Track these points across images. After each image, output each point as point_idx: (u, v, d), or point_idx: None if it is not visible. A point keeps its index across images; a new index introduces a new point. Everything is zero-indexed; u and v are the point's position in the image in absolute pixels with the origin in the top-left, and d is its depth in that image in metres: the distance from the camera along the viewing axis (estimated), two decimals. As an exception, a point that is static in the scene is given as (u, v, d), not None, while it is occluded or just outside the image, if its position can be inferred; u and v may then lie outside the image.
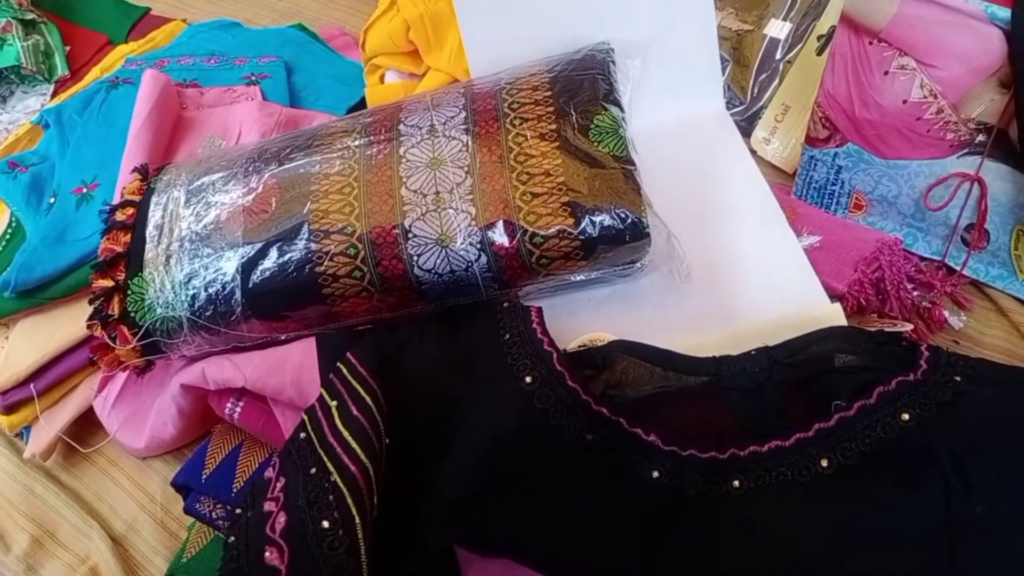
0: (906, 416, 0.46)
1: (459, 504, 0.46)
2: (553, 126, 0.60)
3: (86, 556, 0.63)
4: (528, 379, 0.50)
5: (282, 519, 0.43)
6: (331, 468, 0.44)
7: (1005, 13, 0.58)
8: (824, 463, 0.46)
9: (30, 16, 1.01)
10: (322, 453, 0.46)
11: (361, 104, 0.84)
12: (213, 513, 0.57)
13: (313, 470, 0.45)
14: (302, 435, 0.48)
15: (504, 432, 0.48)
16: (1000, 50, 0.59)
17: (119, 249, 0.59)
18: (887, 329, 0.55)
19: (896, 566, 0.44)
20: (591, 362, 0.52)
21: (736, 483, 0.47)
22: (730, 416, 0.50)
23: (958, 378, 0.46)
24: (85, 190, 0.72)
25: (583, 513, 0.47)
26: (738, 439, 0.48)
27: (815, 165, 0.70)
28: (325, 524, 0.42)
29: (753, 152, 0.77)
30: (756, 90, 0.80)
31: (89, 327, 0.58)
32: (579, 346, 0.55)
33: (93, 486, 0.67)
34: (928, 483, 0.44)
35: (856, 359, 0.49)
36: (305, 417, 0.49)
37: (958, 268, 0.66)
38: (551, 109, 0.61)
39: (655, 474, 0.47)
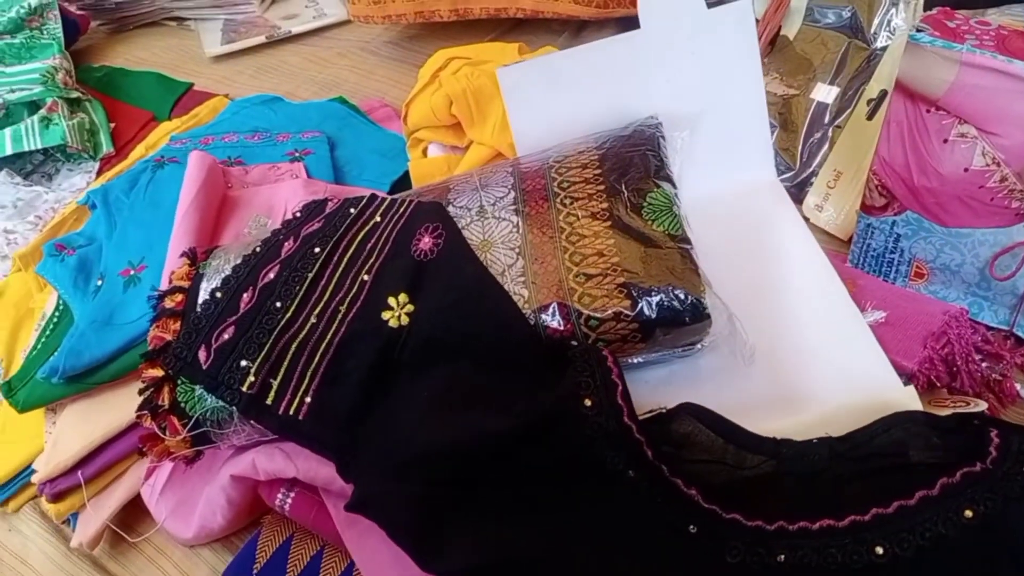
0: (969, 513, 0.43)
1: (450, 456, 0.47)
2: (605, 205, 0.59)
3: (133, 648, 0.62)
4: (588, 402, 0.48)
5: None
6: None
7: (1068, 79, 0.56)
8: (879, 550, 0.43)
9: (75, 95, 1.03)
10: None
11: (405, 178, 0.84)
12: (264, 608, 0.56)
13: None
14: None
15: (542, 435, 0.48)
16: (1064, 117, 0.57)
17: (169, 338, 0.59)
18: (960, 410, 0.52)
19: None
20: (658, 418, 0.51)
21: (781, 558, 0.44)
22: (781, 499, 0.48)
23: None
24: (132, 272, 0.72)
25: (598, 542, 0.46)
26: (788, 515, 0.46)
27: (872, 233, 0.68)
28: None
29: (806, 219, 0.75)
30: (806, 155, 0.78)
31: (138, 417, 0.57)
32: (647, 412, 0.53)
33: (140, 575, 0.66)
34: None
35: (928, 454, 0.46)
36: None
37: (1028, 339, 0.64)
38: (602, 187, 0.60)
39: (692, 529, 0.46)
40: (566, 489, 0.48)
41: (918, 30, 0.62)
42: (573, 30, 1.06)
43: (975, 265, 0.64)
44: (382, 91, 1.02)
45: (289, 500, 0.57)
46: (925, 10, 0.71)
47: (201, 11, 1.23)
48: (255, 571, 0.56)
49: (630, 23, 0.70)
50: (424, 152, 0.85)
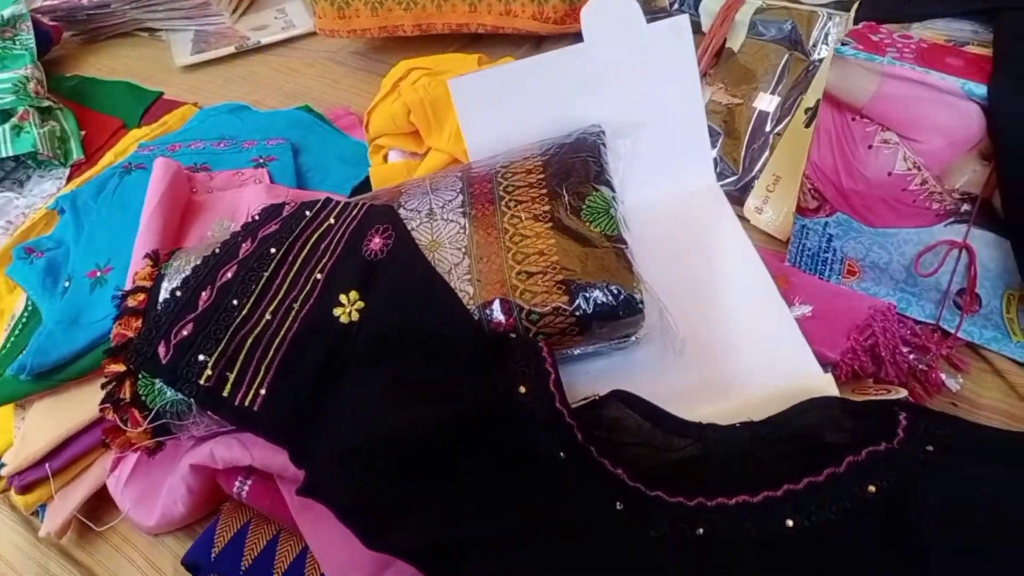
0: (872, 488, 0.47)
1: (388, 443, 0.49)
2: (547, 207, 0.63)
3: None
4: (523, 389, 0.52)
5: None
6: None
7: (982, 89, 0.60)
8: (790, 523, 0.47)
9: (47, 103, 1.05)
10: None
11: (365, 183, 0.87)
12: (222, 591, 0.58)
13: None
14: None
15: (481, 422, 0.50)
16: (979, 124, 0.61)
17: (131, 334, 0.61)
18: (880, 397, 0.56)
19: None
20: (590, 405, 0.54)
21: (700, 531, 0.48)
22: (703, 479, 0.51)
23: (930, 448, 0.47)
24: (99, 274, 0.75)
25: (533, 521, 0.48)
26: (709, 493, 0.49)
27: (807, 234, 0.72)
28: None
29: (746, 221, 0.79)
30: (748, 161, 0.82)
31: (101, 411, 0.60)
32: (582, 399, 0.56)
33: (107, 563, 0.68)
34: (887, 561, 0.45)
35: (840, 436, 0.50)
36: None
37: (952, 331, 0.67)
38: (544, 191, 0.64)
39: (619, 506, 0.49)
40: (504, 472, 0.51)
41: (843, 43, 0.65)
42: (533, 43, 1.09)
43: (901, 263, 0.68)
44: (347, 100, 1.05)
45: (246, 487, 0.60)
46: (855, 24, 0.74)
47: (172, 22, 1.26)
48: (213, 555, 0.59)
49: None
50: (385, 158, 0.88)
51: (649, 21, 0.72)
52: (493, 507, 0.50)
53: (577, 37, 0.73)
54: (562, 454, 0.50)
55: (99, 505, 0.69)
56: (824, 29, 0.84)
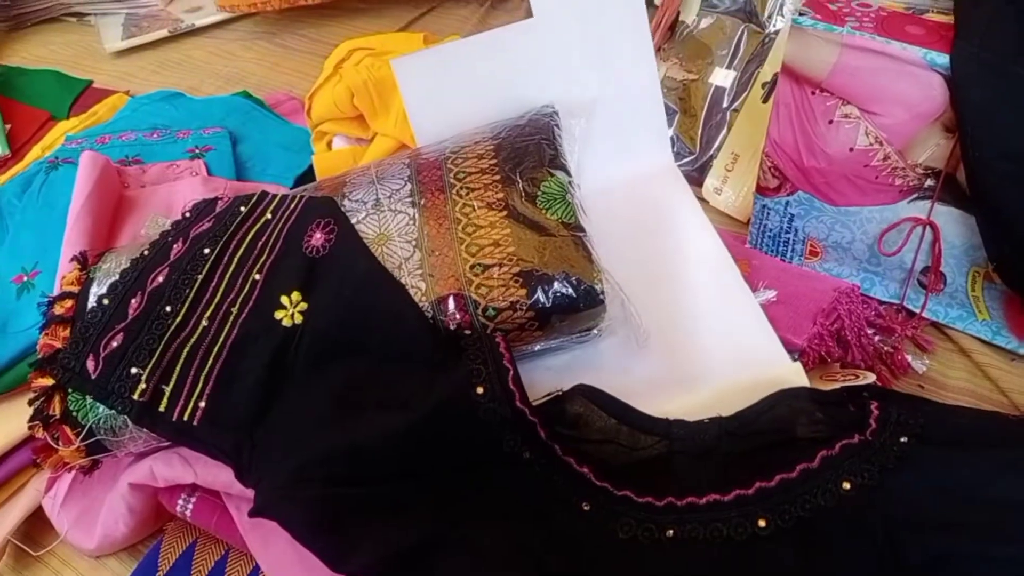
0: (847, 485, 0.45)
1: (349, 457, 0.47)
2: (500, 195, 0.59)
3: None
4: (480, 389, 0.49)
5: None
6: None
7: (944, 59, 0.58)
8: (762, 523, 0.45)
9: (-31, 95, 0.99)
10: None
11: (309, 172, 0.83)
12: (169, 617, 0.55)
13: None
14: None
15: (439, 425, 0.48)
16: (942, 96, 0.59)
17: (58, 345, 0.57)
18: (849, 383, 0.54)
19: None
20: (553, 401, 0.52)
21: (670, 532, 0.46)
22: (672, 477, 0.49)
23: (904, 439, 0.45)
24: (26, 278, 0.70)
25: (501, 524, 0.46)
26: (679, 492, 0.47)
27: (768, 214, 0.70)
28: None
29: (705, 202, 0.77)
30: (705, 139, 0.80)
31: (30, 428, 0.56)
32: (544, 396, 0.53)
33: (46, 589, 0.64)
34: (862, 560, 0.43)
35: (812, 429, 0.48)
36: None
37: (917, 311, 0.66)
38: (497, 178, 0.61)
39: (585, 506, 0.47)
40: (466, 474, 0.48)
41: (800, 14, 0.63)
42: (479, 18, 1.05)
43: (864, 242, 0.67)
44: (289, 84, 1.01)
45: (190, 506, 0.57)
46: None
47: (101, 5, 1.19)
48: (157, 579, 0.56)
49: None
50: (329, 145, 0.84)
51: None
52: (457, 510, 0.47)
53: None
54: (526, 454, 0.48)
55: (36, 527, 0.65)
56: (779, 0, 0.82)
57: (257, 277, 0.56)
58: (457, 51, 0.70)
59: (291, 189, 0.78)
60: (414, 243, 0.58)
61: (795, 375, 0.53)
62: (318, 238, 0.58)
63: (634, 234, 0.66)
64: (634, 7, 0.70)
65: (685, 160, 0.79)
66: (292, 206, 0.61)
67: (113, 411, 0.53)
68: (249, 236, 0.59)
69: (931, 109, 0.60)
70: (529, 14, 0.69)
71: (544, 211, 0.58)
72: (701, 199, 0.75)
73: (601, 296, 0.55)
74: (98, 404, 0.54)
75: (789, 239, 0.70)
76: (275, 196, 0.63)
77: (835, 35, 0.61)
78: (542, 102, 0.69)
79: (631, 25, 0.70)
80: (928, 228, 0.63)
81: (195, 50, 1.11)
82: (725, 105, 0.80)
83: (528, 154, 0.62)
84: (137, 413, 0.52)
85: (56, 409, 0.55)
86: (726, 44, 0.83)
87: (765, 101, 0.77)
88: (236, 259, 0.58)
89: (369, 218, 0.60)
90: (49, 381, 0.56)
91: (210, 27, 1.14)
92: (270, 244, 0.58)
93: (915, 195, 0.63)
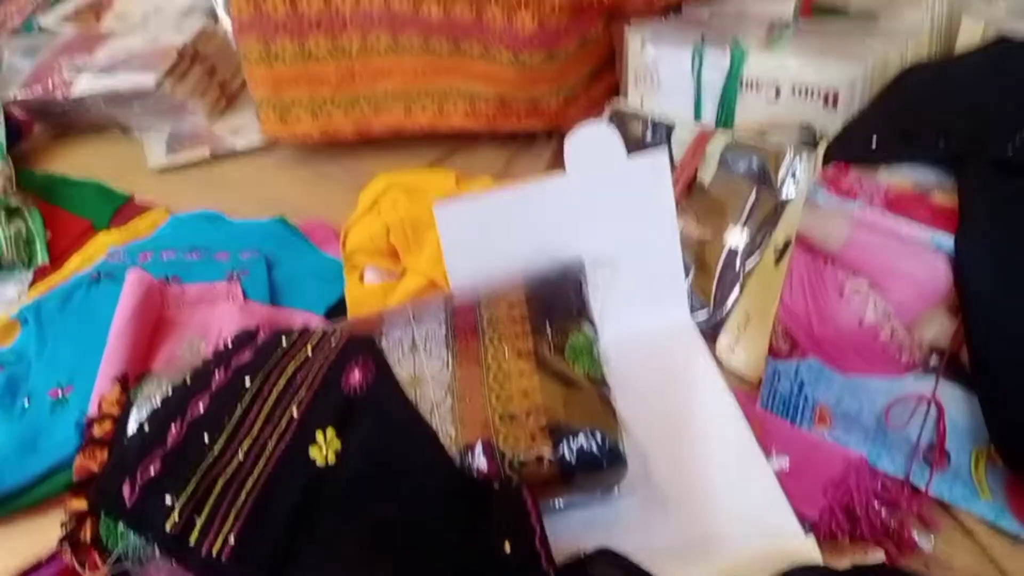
0: None
1: None
2: (530, 344, 0.63)
3: None
4: (508, 547, 0.50)
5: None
6: None
7: (950, 242, 0.62)
8: None
9: (15, 204, 1.03)
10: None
11: (340, 302, 0.86)
12: None
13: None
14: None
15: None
16: (946, 277, 0.62)
17: (95, 468, 0.59)
18: (858, 561, 0.56)
19: None
20: (577, 563, 0.53)
21: None
22: None
23: None
24: (61, 394, 0.72)
25: None
26: None
27: (779, 378, 0.73)
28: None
29: (719, 361, 0.80)
30: (719, 296, 0.84)
31: (59, 549, 0.57)
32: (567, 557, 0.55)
33: None
34: None
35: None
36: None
37: (922, 487, 0.68)
38: (528, 327, 0.64)
39: None
40: None
41: (816, 188, 0.67)
42: (505, 158, 1.11)
43: (872, 413, 0.69)
44: (323, 211, 1.05)
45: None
46: (824, 164, 0.78)
47: (147, 120, 1.25)
48: None
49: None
50: (361, 277, 0.88)
51: (629, 154, 0.74)
52: None
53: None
54: None
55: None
56: (791, 167, 0.87)
57: (295, 413, 0.59)
58: (495, 200, 0.75)
59: (323, 318, 0.82)
60: (447, 388, 0.61)
61: (809, 550, 0.54)
62: (356, 377, 0.61)
63: (652, 389, 0.68)
64: (659, 171, 0.75)
65: (700, 314, 0.83)
66: (333, 343, 0.64)
67: (143, 539, 0.55)
68: (289, 371, 0.62)
69: (936, 289, 0.63)
70: (554, 161, 0.75)
71: (571, 363, 0.61)
72: (714, 355, 0.78)
73: (624, 455, 0.57)
74: (129, 531, 0.56)
75: (799, 404, 0.72)
76: (316, 332, 0.66)
77: (847, 211, 0.66)
78: (571, 252, 0.73)
79: (656, 185, 0.76)
80: (933, 405, 0.66)
81: (235, 171, 1.17)
82: (739, 264, 0.84)
83: (557, 306, 0.66)
84: (167, 544, 0.53)
85: (86, 534, 0.57)
86: (740, 205, 0.88)
87: (777, 264, 0.81)
88: (275, 393, 0.60)
89: (405, 359, 0.63)
90: (83, 505, 0.58)
91: (251, 150, 1.20)
92: (308, 380, 0.61)
93: (921, 370, 0.66)
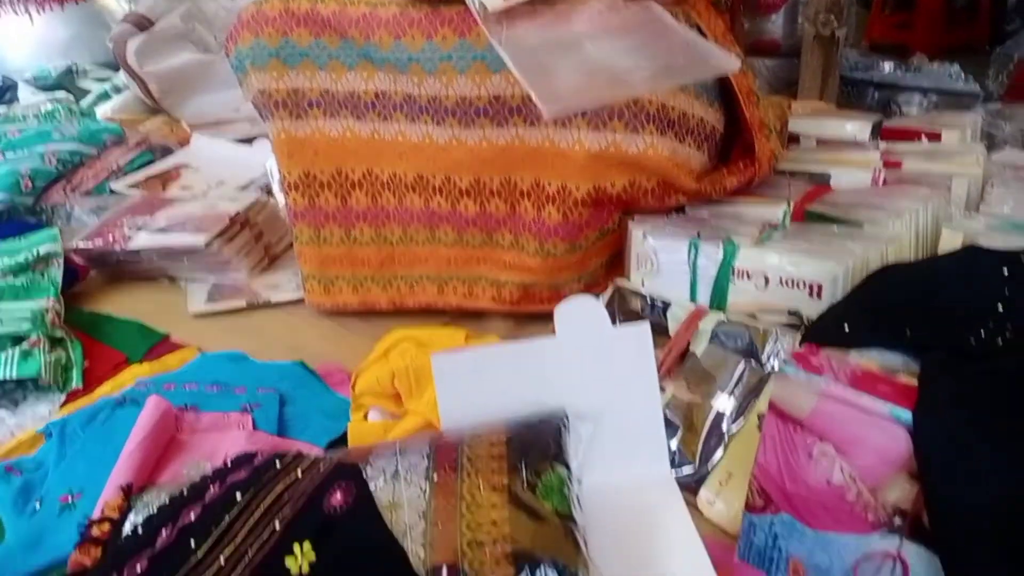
0: None
1: None
2: (505, 480, 0.66)
3: None
4: None
5: None
6: None
7: (908, 415, 0.66)
8: None
9: (60, 334, 1.12)
10: None
11: (342, 437, 0.91)
12: None
13: None
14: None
15: None
16: (906, 446, 0.66)
17: (88, 563, 0.63)
18: None
19: None
20: None
21: None
22: None
23: None
24: (70, 499, 0.77)
25: None
26: None
27: (754, 530, 0.75)
28: None
29: (699, 511, 0.82)
30: (704, 454, 0.87)
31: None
32: None
33: None
34: None
35: None
36: None
37: (893, 647, 0.68)
38: (505, 464, 0.68)
39: None
40: None
41: (786, 363, 0.73)
42: (516, 321, 1.18)
43: (842, 568, 0.70)
44: (342, 358, 1.11)
45: None
46: (801, 344, 0.83)
47: (194, 273, 1.36)
48: None
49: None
50: (365, 415, 0.93)
51: (621, 322, 0.81)
52: None
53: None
54: None
55: None
56: (776, 345, 0.92)
57: (277, 526, 0.63)
58: (488, 355, 0.82)
59: (323, 450, 0.87)
60: (421, 513, 0.64)
61: None
62: (337, 498, 0.65)
63: (625, 536, 0.71)
64: (642, 340, 0.82)
65: (685, 469, 0.86)
66: (321, 468, 0.68)
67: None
68: (278, 489, 0.66)
69: (897, 457, 0.67)
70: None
71: (541, 499, 0.65)
72: (695, 507, 0.81)
73: (584, 586, 0.59)
74: (111, 624, 0.59)
75: (774, 557, 0.74)
76: (308, 457, 0.70)
77: (814, 384, 0.71)
78: (557, 405, 0.78)
79: (638, 352, 0.82)
80: (898, 563, 0.67)
81: (266, 321, 1.25)
82: (724, 427, 0.88)
83: (535, 448, 0.70)
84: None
85: (74, 624, 0.60)
86: (728, 375, 0.92)
87: (759, 429, 0.85)
88: (262, 508, 0.64)
89: (387, 485, 0.67)
90: (71, 596, 0.61)
91: (284, 304, 1.29)
92: (294, 499, 0.65)
93: (887, 529, 0.68)
